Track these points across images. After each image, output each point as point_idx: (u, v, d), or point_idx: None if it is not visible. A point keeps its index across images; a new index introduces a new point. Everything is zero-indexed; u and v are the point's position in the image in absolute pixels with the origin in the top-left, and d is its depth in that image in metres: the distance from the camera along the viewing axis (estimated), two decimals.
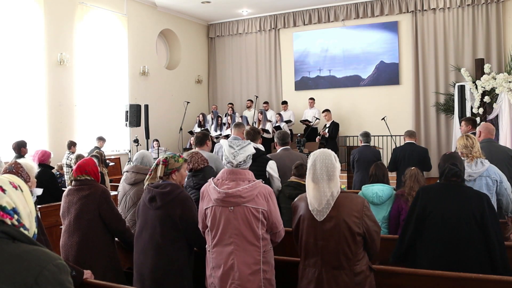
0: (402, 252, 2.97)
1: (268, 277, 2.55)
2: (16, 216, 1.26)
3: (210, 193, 2.59)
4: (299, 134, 10.20)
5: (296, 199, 2.65)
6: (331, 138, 9.70)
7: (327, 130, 9.74)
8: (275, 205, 2.60)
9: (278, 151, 4.86)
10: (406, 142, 6.24)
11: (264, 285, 2.51)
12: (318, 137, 9.81)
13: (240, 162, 2.56)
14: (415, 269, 2.74)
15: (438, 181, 3.01)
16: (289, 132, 5.68)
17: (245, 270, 2.48)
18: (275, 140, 4.93)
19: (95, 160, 3.38)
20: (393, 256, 3.02)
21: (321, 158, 2.45)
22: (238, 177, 2.55)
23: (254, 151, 2.67)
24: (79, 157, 5.81)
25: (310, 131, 10.35)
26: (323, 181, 2.41)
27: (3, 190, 1.27)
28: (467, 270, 2.59)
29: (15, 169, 2.82)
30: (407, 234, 2.93)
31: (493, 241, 2.71)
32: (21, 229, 1.27)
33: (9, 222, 1.24)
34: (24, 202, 1.32)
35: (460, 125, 6.17)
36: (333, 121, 9.91)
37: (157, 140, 10.35)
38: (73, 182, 3.20)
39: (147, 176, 2.95)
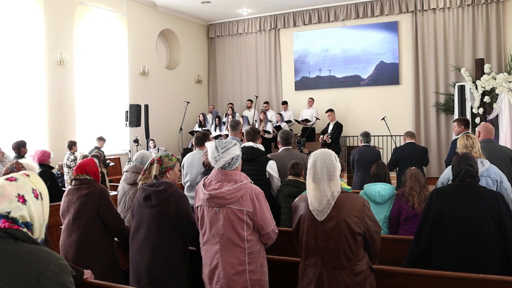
0: (417, 257, 2.90)
1: (256, 278, 2.55)
2: (25, 230, 1.24)
3: (199, 192, 2.64)
4: (299, 134, 10.18)
5: (296, 199, 2.65)
6: (334, 140, 9.35)
7: (330, 132, 9.44)
8: (263, 206, 2.57)
9: (280, 150, 4.86)
10: (406, 142, 6.26)
11: (251, 286, 2.52)
12: (322, 136, 9.49)
13: (222, 166, 2.56)
14: (415, 269, 2.74)
15: (448, 181, 2.97)
16: (291, 132, 5.67)
17: (230, 270, 2.51)
18: (278, 139, 4.93)
19: (96, 161, 3.40)
20: (407, 261, 2.94)
21: (321, 158, 2.45)
22: (225, 178, 2.55)
23: (239, 152, 2.62)
24: (83, 157, 5.80)
25: (310, 131, 10.32)
26: (324, 181, 2.41)
27: (24, 201, 1.24)
28: (487, 271, 2.56)
29: (16, 169, 2.83)
30: (422, 238, 2.87)
31: (511, 240, 2.68)
32: None
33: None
34: (40, 213, 1.29)
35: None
36: (336, 121, 9.58)
37: (153, 140, 10.28)
38: (73, 182, 3.22)
39: (140, 176, 2.96)
